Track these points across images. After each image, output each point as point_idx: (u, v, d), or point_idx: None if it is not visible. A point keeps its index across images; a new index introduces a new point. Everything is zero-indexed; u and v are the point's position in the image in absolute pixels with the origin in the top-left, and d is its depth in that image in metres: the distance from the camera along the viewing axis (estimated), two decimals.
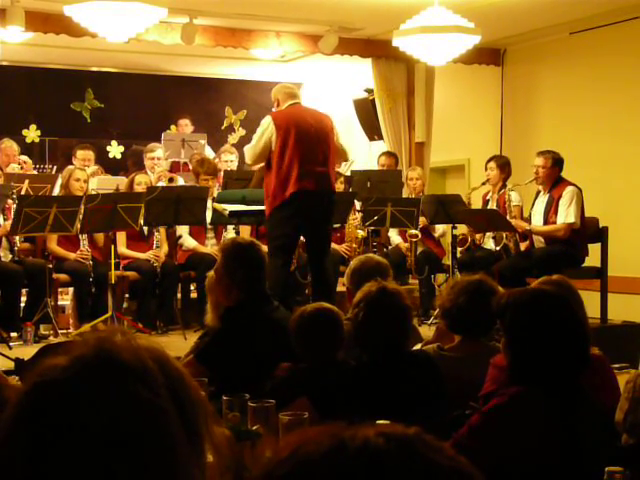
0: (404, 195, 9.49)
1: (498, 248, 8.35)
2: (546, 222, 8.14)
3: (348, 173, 9.79)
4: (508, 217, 8.31)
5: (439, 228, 9.33)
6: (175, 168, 10.51)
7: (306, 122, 7.14)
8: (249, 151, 7.24)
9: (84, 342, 1.20)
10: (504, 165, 8.91)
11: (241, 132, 12.96)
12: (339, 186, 9.19)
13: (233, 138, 12.36)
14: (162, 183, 9.34)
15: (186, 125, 11.89)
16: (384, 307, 3.80)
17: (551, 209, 8.08)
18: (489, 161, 9.00)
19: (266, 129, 7.11)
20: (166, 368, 1.21)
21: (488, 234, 8.74)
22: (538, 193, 8.36)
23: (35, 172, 10.02)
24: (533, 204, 8.37)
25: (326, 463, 1.00)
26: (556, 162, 8.15)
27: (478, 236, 8.86)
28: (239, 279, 4.59)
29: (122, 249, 8.31)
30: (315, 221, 7.15)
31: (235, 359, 4.32)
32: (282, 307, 4.83)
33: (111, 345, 1.19)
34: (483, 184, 9.12)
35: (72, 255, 8.00)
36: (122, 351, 1.18)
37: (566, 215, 7.97)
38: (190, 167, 9.87)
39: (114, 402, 1.13)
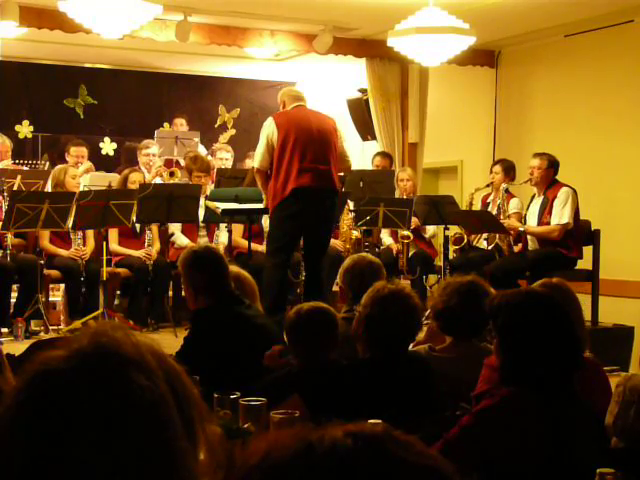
0: (396, 196, 9.48)
1: (490, 247, 8.36)
2: (540, 223, 8.15)
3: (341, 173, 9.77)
4: (502, 217, 8.32)
5: (429, 229, 9.33)
6: (168, 166, 10.47)
7: (308, 122, 7.21)
8: (255, 154, 7.37)
9: (81, 335, 1.20)
10: (509, 169, 8.92)
11: (231, 132, 12.94)
12: None
13: (224, 137, 12.33)
14: (159, 180, 9.33)
15: (181, 125, 11.78)
16: (400, 306, 3.80)
17: (545, 210, 8.10)
18: (495, 164, 9.04)
19: (267, 129, 7.22)
20: (164, 363, 1.21)
21: (483, 235, 8.77)
22: (533, 197, 8.38)
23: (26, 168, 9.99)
24: (528, 206, 8.39)
25: (294, 468, 1.00)
26: (552, 164, 8.17)
27: (473, 236, 8.88)
28: (200, 285, 4.71)
29: (113, 246, 8.29)
30: (316, 219, 7.16)
31: (209, 360, 4.32)
32: (254, 306, 4.87)
33: (109, 338, 1.19)
34: (487, 186, 9.14)
35: (65, 252, 7.98)
36: (121, 343, 1.18)
37: (560, 216, 7.98)
38: (183, 165, 9.85)
39: (117, 390, 1.13)
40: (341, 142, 7.40)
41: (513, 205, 8.67)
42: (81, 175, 8.95)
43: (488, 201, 9.05)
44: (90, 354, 1.16)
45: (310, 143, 7.11)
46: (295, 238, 7.30)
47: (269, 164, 7.19)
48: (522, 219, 8.47)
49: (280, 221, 7.16)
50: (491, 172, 9.01)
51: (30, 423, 1.11)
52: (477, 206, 9.14)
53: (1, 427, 1.13)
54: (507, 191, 8.86)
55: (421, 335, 4.79)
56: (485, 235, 8.69)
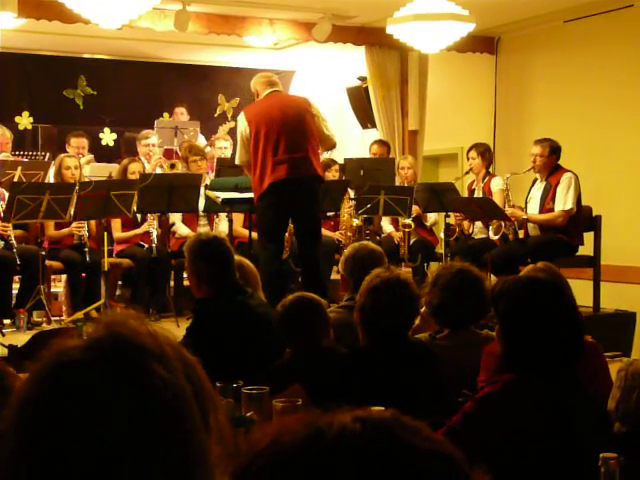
0: (396, 184, 9.48)
1: (497, 237, 8.35)
2: (542, 209, 8.14)
3: (341, 160, 9.78)
4: (507, 206, 8.32)
5: (431, 217, 9.34)
6: (168, 156, 10.47)
7: (279, 111, 7.13)
8: (236, 151, 7.36)
9: (97, 325, 1.19)
10: (484, 152, 8.98)
11: (231, 124, 12.92)
12: (334, 174, 9.20)
13: (224, 130, 12.34)
14: (160, 170, 9.33)
15: (182, 114, 11.82)
16: (393, 296, 3.80)
17: (548, 196, 8.08)
18: (469, 150, 9.06)
19: (240, 125, 7.23)
20: (181, 354, 1.20)
21: (477, 223, 8.78)
22: (535, 181, 8.36)
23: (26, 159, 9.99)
24: (529, 191, 8.38)
25: (304, 453, 1.00)
26: (553, 150, 8.15)
27: (466, 225, 8.89)
28: (205, 274, 4.67)
29: (117, 234, 8.34)
30: (298, 208, 7.12)
31: (212, 350, 4.32)
32: (256, 295, 4.86)
33: (127, 328, 1.18)
34: (466, 173, 9.21)
35: (66, 230, 7.99)
36: (139, 334, 1.17)
37: (564, 202, 7.97)
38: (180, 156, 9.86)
39: (138, 384, 1.12)
40: (318, 120, 7.22)
41: (495, 184, 8.70)
42: (82, 167, 8.95)
43: (474, 187, 9.08)
44: (108, 345, 1.15)
45: (283, 133, 7.02)
46: (279, 227, 7.26)
47: (248, 158, 7.19)
48: (506, 198, 8.44)
49: (263, 212, 7.16)
50: (468, 159, 9.04)
51: (49, 417, 1.10)
52: (463, 194, 9.17)
53: (19, 421, 1.12)
54: (489, 173, 8.90)
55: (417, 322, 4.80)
56: (479, 223, 8.72)
